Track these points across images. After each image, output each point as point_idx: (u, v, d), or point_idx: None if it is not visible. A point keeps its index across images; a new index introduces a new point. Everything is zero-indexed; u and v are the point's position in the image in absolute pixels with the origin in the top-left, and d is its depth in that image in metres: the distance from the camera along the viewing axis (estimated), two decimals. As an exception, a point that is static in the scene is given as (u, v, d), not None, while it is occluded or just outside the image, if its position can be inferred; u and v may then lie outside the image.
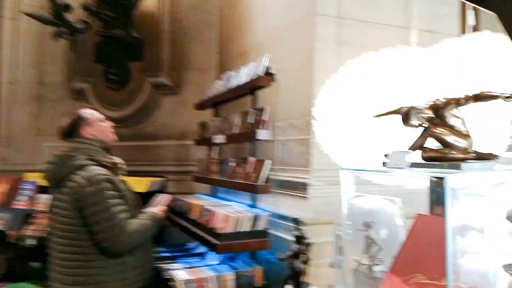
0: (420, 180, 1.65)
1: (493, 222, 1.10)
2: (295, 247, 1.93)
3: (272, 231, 2.45)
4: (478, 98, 1.12)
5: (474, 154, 1.13)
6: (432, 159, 1.17)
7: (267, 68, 2.49)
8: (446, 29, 3.05)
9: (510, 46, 1.96)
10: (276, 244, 2.44)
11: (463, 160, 1.12)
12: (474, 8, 2.18)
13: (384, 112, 1.42)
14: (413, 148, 1.22)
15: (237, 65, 3.42)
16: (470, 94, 1.14)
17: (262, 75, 2.46)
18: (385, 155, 1.32)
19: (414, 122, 1.20)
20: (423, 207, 1.68)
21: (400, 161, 1.18)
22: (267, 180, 2.40)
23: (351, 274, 1.76)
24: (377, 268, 1.60)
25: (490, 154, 1.12)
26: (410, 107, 1.22)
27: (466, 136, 1.17)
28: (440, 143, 1.18)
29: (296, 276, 1.91)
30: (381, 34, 2.80)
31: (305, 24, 2.69)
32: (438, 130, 1.18)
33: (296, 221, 1.96)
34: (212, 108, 3.51)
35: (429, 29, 3.02)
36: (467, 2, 1.75)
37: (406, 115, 1.21)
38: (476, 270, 1.09)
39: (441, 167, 1.13)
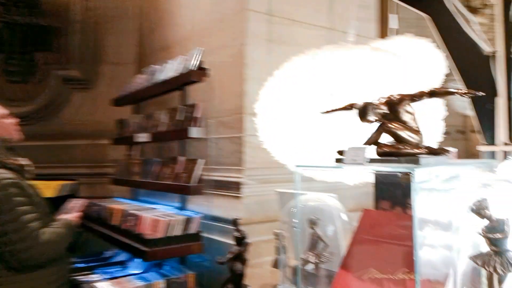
0: (365, 175, 1.68)
1: (451, 215, 1.13)
2: (235, 248, 1.85)
3: (205, 234, 2.34)
4: (433, 94, 1.14)
5: (426, 149, 1.15)
6: (387, 154, 1.17)
7: (200, 62, 2.37)
8: (365, 32, 3.20)
9: (435, 48, 2.10)
10: (209, 247, 2.33)
11: (416, 154, 1.14)
12: (397, 12, 2.30)
13: (333, 109, 1.41)
14: (368, 143, 1.22)
15: (160, 59, 3.23)
16: (426, 90, 1.16)
17: (194, 69, 2.33)
18: (338, 152, 1.30)
19: (371, 117, 1.19)
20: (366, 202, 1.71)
21: (359, 157, 1.16)
22: (200, 180, 2.28)
23: (295, 273, 1.74)
24: (324, 266, 1.59)
25: (442, 149, 1.15)
26: (367, 102, 1.21)
27: (417, 131, 1.19)
28: (394, 138, 1.19)
29: (237, 279, 1.83)
30: (308, 33, 2.85)
31: (236, 19, 2.62)
32: (393, 126, 1.18)
33: (235, 222, 1.88)
34: (132, 104, 3.27)
35: (350, 31, 3.14)
36: (401, 3, 1.82)
37: (363, 111, 1.19)
38: (433, 262, 1.11)
39: (398, 162, 1.13)
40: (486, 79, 1.61)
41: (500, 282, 0.88)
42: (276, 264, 1.83)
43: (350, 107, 1.36)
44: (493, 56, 1.58)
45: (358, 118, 1.21)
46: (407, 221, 1.31)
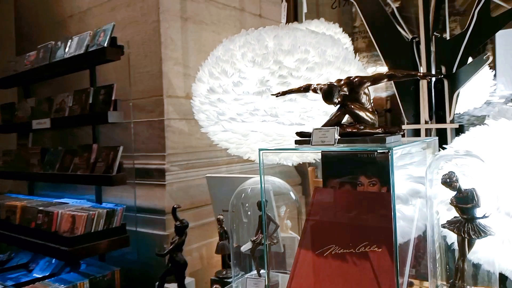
0: (309, 155, 1.73)
1: (408, 189, 1.22)
2: (176, 238, 1.76)
3: (129, 227, 2.18)
4: (392, 76, 1.21)
5: (382, 129, 1.22)
6: (350, 134, 1.21)
7: (113, 38, 2.15)
8: (273, 15, 3.26)
9: (342, 33, 2.22)
10: (134, 240, 2.18)
11: (374, 134, 1.20)
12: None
13: (286, 91, 1.40)
14: (330, 124, 1.24)
15: (51, 35, 2.86)
16: (385, 73, 1.22)
17: (106, 46, 2.11)
18: (298, 133, 1.31)
19: (336, 99, 1.22)
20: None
21: (327, 138, 1.18)
22: (121, 169, 2.10)
23: (239, 257, 1.73)
24: (275, 247, 1.61)
25: (396, 127, 1.23)
26: (332, 84, 1.23)
27: (373, 112, 1.26)
28: (354, 119, 1.23)
29: (180, 269, 1.75)
30: (223, 13, 2.79)
31: (147, -7, 2.43)
32: (356, 107, 1.23)
33: (174, 210, 1.78)
34: (19, 86, 2.85)
35: (259, 13, 3.16)
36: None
37: (329, 92, 1.21)
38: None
39: (364, 141, 1.18)
40: (410, 63, 1.76)
41: (470, 247, 0.99)
42: (220, 250, 1.80)
43: (305, 89, 1.37)
44: (416, 41, 1.73)
45: (324, 100, 1.23)
46: (362, 197, 1.40)
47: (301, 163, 1.91)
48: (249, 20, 3.02)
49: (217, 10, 2.75)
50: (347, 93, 1.25)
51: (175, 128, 2.41)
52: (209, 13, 2.67)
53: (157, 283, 1.94)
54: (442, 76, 1.63)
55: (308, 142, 1.29)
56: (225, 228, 1.81)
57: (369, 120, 1.24)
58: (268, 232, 1.59)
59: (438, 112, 1.70)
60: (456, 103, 1.68)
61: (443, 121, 1.68)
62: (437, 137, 1.36)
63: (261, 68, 1.50)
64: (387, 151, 1.05)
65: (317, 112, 1.51)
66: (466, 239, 0.99)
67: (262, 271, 1.63)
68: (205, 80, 1.67)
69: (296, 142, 1.31)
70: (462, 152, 1.00)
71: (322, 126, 1.26)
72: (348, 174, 1.46)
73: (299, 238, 1.67)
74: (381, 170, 1.38)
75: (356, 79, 1.24)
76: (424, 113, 1.69)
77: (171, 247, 1.73)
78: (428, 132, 1.72)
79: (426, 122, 1.70)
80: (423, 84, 1.69)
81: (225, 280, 1.77)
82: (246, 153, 1.71)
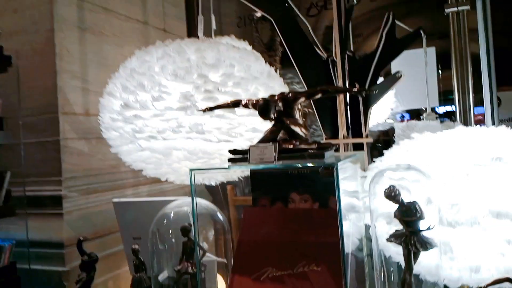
0: (235, 174, 1.65)
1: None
2: (82, 275, 1.52)
3: (20, 265, 1.85)
4: (326, 92, 1.21)
5: (315, 144, 1.21)
6: (286, 151, 1.17)
7: (-1, 47, 1.85)
8: (177, 30, 3.15)
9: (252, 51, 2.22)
10: (28, 280, 1.86)
11: (309, 150, 1.18)
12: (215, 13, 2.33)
13: (214, 106, 1.32)
14: (266, 141, 1.19)
15: None
16: (319, 88, 1.21)
17: (-11, 56, 1.80)
18: (232, 151, 1.23)
19: (272, 114, 1.17)
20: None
21: (266, 155, 1.12)
22: (8, 198, 1.79)
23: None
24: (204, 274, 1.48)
25: (327, 143, 1.22)
26: (267, 99, 1.18)
27: (306, 127, 1.24)
28: (289, 134, 1.20)
29: (89, 312, 1.51)
30: (125, 25, 2.60)
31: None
32: (290, 122, 1.19)
33: (79, 243, 1.55)
34: None
35: (163, 27, 3.04)
36: (247, 3, 1.85)
37: (265, 108, 1.16)
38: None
39: (302, 157, 1.15)
40: (326, 80, 1.80)
41: (415, 259, 1.00)
42: (137, 284, 1.60)
43: (235, 104, 1.30)
44: (331, 60, 1.78)
45: (260, 115, 1.17)
46: (297, 216, 1.36)
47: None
48: (153, 33, 2.87)
49: (119, 22, 2.56)
50: (281, 109, 1.21)
51: (73, 149, 2.14)
52: (110, 25, 2.47)
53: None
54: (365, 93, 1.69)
55: (242, 160, 1.22)
56: (142, 259, 1.62)
57: (303, 135, 1.22)
58: (193, 259, 1.46)
59: (354, 127, 1.76)
60: (369, 118, 1.76)
61: (360, 135, 1.74)
62: (364, 151, 1.39)
63: (184, 82, 1.40)
64: (332, 167, 1.03)
65: (245, 128, 1.45)
66: (412, 252, 0.99)
67: (187, 302, 1.49)
68: (117, 95, 1.50)
69: (230, 160, 1.23)
70: (404, 165, 1.01)
71: (258, 142, 1.20)
72: (279, 191, 1.41)
73: (220, 260, 1.57)
74: (313, 186, 1.37)
75: (290, 95, 1.21)
76: (342, 129, 1.73)
77: (78, 285, 1.49)
78: (345, 147, 1.77)
79: (344, 137, 1.75)
80: (340, 101, 1.74)
81: (143, 318, 1.58)
82: (166, 174, 1.57)
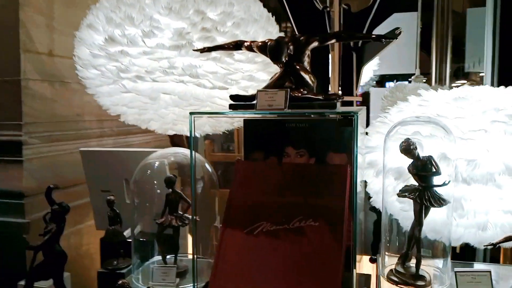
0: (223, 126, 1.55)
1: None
2: (51, 226, 1.38)
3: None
4: (339, 37, 1.12)
5: (322, 95, 1.14)
6: (294, 99, 1.09)
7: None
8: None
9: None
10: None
11: (315, 99, 1.11)
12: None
13: (212, 47, 1.20)
14: (274, 87, 1.10)
15: None
16: (332, 33, 1.13)
17: None
18: (233, 97, 1.13)
19: (284, 57, 1.07)
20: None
21: (277, 101, 1.03)
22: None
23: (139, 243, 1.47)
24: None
25: (335, 94, 1.16)
26: (280, 39, 1.08)
27: (314, 76, 1.16)
28: (298, 82, 1.11)
29: (59, 263, 1.39)
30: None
31: None
32: (300, 68, 1.11)
33: (49, 191, 1.40)
34: None
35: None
36: None
37: (278, 49, 1.06)
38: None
39: (311, 107, 1.08)
40: (321, 33, 1.72)
41: (425, 215, 0.98)
42: (111, 236, 1.49)
43: (236, 46, 1.19)
44: (328, 11, 1.70)
45: (271, 58, 1.07)
46: (294, 170, 1.29)
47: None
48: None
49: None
50: (292, 53, 1.12)
51: (34, 92, 1.94)
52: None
53: (21, 283, 1.53)
54: (352, 49, 1.62)
55: (245, 107, 1.13)
56: (117, 211, 1.51)
57: (311, 84, 1.14)
58: (177, 212, 1.37)
59: (345, 86, 1.70)
60: (361, 77, 1.71)
61: (351, 94, 1.69)
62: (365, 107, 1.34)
63: (180, 17, 1.26)
64: (352, 115, 0.96)
65: (241, 76, 1.35)
66: (424, 208, 0.97)
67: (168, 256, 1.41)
68: (99, 28, 1.33)
69: (231, 106, 1.13)
70: (424, 118, 0.97)
71: (264, 88, 1.11)
72: (274, 145, 1.34)
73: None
74: (310, 141, 1.31)
75: (302, 37, 1.12)
76: (334, 86, 1.67)
77: (47, 236, 1.36)
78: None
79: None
80: (335, 57, 1.67)
81: (117, 271, 1.48)
82: (150, 121, 1.44)
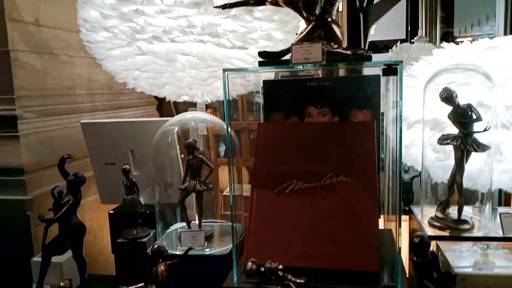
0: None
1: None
2: (69, 197, 1.33)
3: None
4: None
5: (351, 50, 1.12)
6: (328, 53, 1.07)
7: None
8: None
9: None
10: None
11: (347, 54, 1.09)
12: None
13: (234, 2, 1.15)
14: (307, 40, 1.07)
15: None
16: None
17: None
18: (261, 53, 1.10)
19: (317, 9, 1.05)
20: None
21: (313, 54, 1.01)
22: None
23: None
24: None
25: (363, 49, 1.14)
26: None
27: (342, 29, 1.14)
28: (328, 35, 1.09)
29: (77, 236, 1.35)
30: None
31: None
32: (331, 21, 1.08)
33: (62, 162, 1.34)
34: None
35: None
36: None
37: (313, 1, 1.03)
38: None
39: (346, 60, 1.06)
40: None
41: (466, 161, 1.00)
42: (130, 206, 1.45)
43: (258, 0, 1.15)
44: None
45: (304, 9, 1.04)
46: (318, 129, 1.28)
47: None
48: None
49: None
50: (322, 6, 1.09)
51: (24, 63, 1.83)
52: None
53: (35, 260, 1.48)
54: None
55: (277, 64, 1.10)
56: (134, 180, 1.46)
57: (341, 39, 1.12)
58: (201, 177, 1.35)
59: (352, 46, 1.69)
60: (369, 37, 1.71)
61: (360, 55, 1.69)
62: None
63: (198, -27, 1.20)
64: (396, 65, 0.95)
65: (259, 35, 1.31)
66: (466, 154, 0.98)
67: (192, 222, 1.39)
68: (108, -14, 1.25)
69: (261, 63, 1.10)
70: (463, 65, 0.97)
71: (297, 41, 1.08)
72: (295, 105, 1.33)
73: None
74: (332, 99, 1.30)
75: (333, -10, 1.09)
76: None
77: (64, 208, 1.30)
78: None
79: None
80: (342, 18, 1.65)
81: (139, 240, 1.44)
82: (165, 86, 1.39)
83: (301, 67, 1.05)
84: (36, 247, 1.68)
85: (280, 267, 0.97)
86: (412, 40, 2.08)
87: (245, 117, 1.97)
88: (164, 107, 2.95)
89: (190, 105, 1.81)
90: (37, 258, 1.51)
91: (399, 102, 0.94)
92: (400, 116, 0.94)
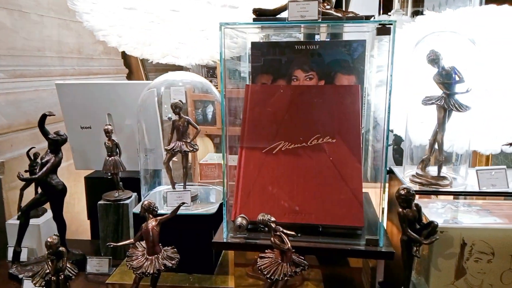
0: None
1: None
2: (49, 157, 1.29)
3: None
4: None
5: (342, 13, 1.15)
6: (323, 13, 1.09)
7: None
8: None
9: None
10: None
11: (338, 16, 1.12)
12: None
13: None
14: None
15: None
16: None
17: None
18: (256, 11, 1.10)
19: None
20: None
21: (310, 12, 1.02)
22: None
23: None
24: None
25: (353, 12, 1.17)
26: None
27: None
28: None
29: (58, 196, 1.32)
30: None
31: None
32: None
33: (43, 119, 1.29)
34: None
35: None
36: None
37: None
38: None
39: (340, 19, 1.09)
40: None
41: (447, 121, 1.06)
42: (112, 167, 1.43)
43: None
44: None
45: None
46: (305, 92, 1.30)
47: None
48: None
49: None
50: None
51: (-6, 20, 1.73)
52: None
53: (10, 222, 1.44)
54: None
55: (272, 20, 1.11)
56: (116, 141, 1.44)
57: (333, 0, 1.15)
58: (186, 139, 1.35)
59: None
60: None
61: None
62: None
63: None
64: (390, 24, 0.98)
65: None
66: (448, 114, 1.04)
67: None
68: None
69: (255, 20, 1.11)
70: (448, 30, 1.02)
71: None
72: (282, 68, 1.34)
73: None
74: (319, 63, 1.32)
75: None
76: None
77: (45, 167, 1.27)
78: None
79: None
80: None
81: (120, 202, 1.43)
82: (151, 44, 1.36)
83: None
84: (7, 212, 1.62)
85: (273, 219, 1.00)
86: (389, 13, 2.15)
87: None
88: (134, 76, 2.89)
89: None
90: (12, 221, 1.46)
91: (390, 61, 0.98)
92: (391, 76, 0.98)
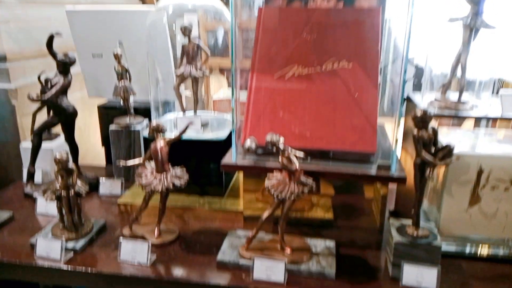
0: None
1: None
2: (58, 79, 1.27)
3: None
4: None
5: None
6: None
7: None
8: None
9: None
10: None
11: None
12: None
13: None
14: None
15: None
16: None
17: None
18: None
19: None
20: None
21: None
22: None
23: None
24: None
25: None
26: None
27: None
28: None
29: (70, 118, 1.32)
30: None
31: None
32: None
33: (51, 40, 1.26)
34: None
35: None
36: None
37: None
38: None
39: None
40: None
41: (473, 40, 0.99)
42: (123, 92, 1.41)
43: None
44: None
45: None
46: (322, 14, 1.23)
47: None
48: None
49: None
50: None
51: None
52: None
53: (24, 146, 1.45)
54: None
55: None
56: (125, 66, 1.41)
57: None
58: (196, 63, 1.31)
59: None
60: None
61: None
62: None
63: None
64: None
65: None
66: (474, 33, 0.97)
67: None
68: None
69: None
70: None
71: None
72: (298, -11, 1.26)
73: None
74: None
75: None
76: None
77: (54, 90, 1.26)
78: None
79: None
80: None
81: (131, 128, 1.42)
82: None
83: None
84: (22, 137, 1.65)
85: (282, 139, 0.97)
86: None
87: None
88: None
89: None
90: (26, 144, 1.48)
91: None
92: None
